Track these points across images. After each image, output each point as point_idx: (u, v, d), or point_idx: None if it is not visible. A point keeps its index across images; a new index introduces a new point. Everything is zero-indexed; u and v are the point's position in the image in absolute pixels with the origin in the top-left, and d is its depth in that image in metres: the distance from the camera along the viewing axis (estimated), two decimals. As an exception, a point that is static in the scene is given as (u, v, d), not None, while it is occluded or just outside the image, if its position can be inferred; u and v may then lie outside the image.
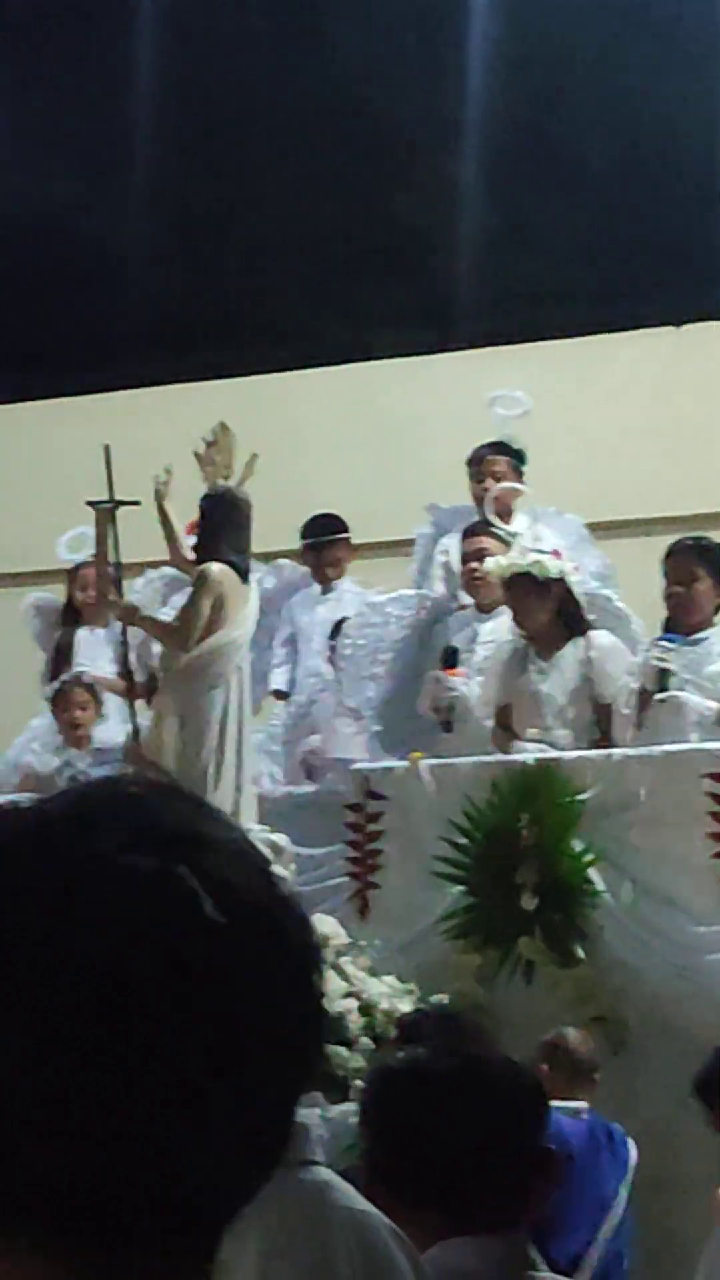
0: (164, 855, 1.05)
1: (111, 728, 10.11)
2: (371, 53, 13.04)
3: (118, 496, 9.83)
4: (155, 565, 10.41)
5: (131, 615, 9.64)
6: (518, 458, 10.24)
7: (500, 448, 10.24)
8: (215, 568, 9.01)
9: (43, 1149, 1.01)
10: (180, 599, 9.51)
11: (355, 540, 10.79)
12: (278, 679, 10.60)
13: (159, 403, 11.86)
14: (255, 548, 10.16)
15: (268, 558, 10.80)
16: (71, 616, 10.67)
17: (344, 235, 13.03)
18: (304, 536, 10.72)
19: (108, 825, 1.07)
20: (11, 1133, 1.01)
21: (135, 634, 9.90)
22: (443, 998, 8.10)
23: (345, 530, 10.72)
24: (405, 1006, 7.90)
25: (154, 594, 10.44)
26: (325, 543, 10.63)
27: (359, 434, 12.23)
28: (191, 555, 9.42)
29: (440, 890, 8.76)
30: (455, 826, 8.73)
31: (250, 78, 13.24)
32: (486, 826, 8.71)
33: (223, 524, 9.17)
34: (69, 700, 10.11)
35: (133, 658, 9.97)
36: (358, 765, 9.37)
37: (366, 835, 9.01)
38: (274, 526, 10.91)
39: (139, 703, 9.60)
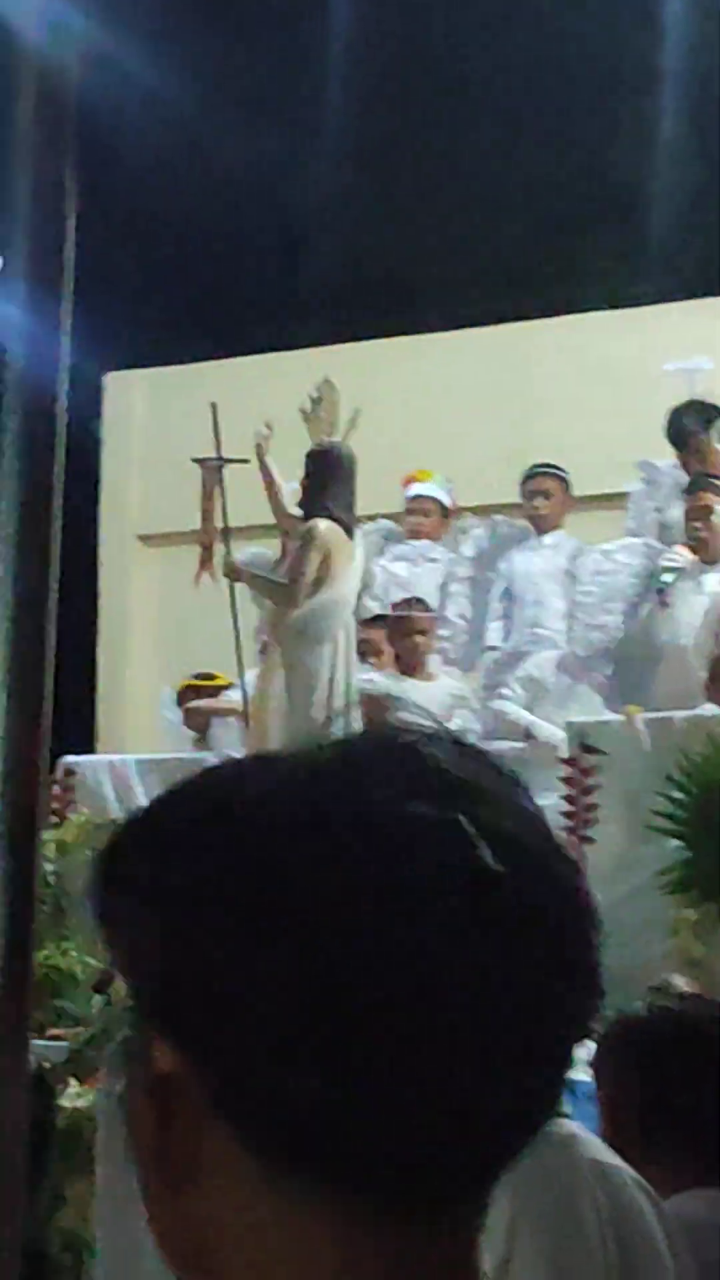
0: (442, 804, 1.05)
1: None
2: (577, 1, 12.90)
3: (232, 455, 9.96)
4: (371, 519, 10.46)
5: (237, 572, 9.71)
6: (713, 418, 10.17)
7: (697, 416, 10.13)
8: (322, 524, 9.04)
9: (329, 1097, 1.02)
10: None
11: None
12: (494, 634, 10.58)
13: (372, 356, 11.87)
14: (471, 501, 10.16)
15: (484, 512, 10.79)
16: (285, 570, 10.73)
17: (556, 187, 12.93)
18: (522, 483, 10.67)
19: (385, 774, 1.07)
20: (300, 1081, 1.02)
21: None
22: None
23: (561, 471, 10.62)
24: None
25: (371, 546, 10.48)
26: (538, 474, 10.54)
27: (574, 387, 12.15)
28: (295, 511, 9.47)
29: (657, 844, 8.71)
30: (671, 780, 8.68)
31: (454, 29, 13.17)
32: (703, 780, 8.64)
33: (328, 481, 9.19)
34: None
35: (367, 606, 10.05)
36: (573, 719, 9.36)
37: (582, 789, 8.99)
38: (490, 481, 10.90)
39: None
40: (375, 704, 9.11)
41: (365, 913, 1.02)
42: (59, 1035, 7.92)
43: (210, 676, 10.74)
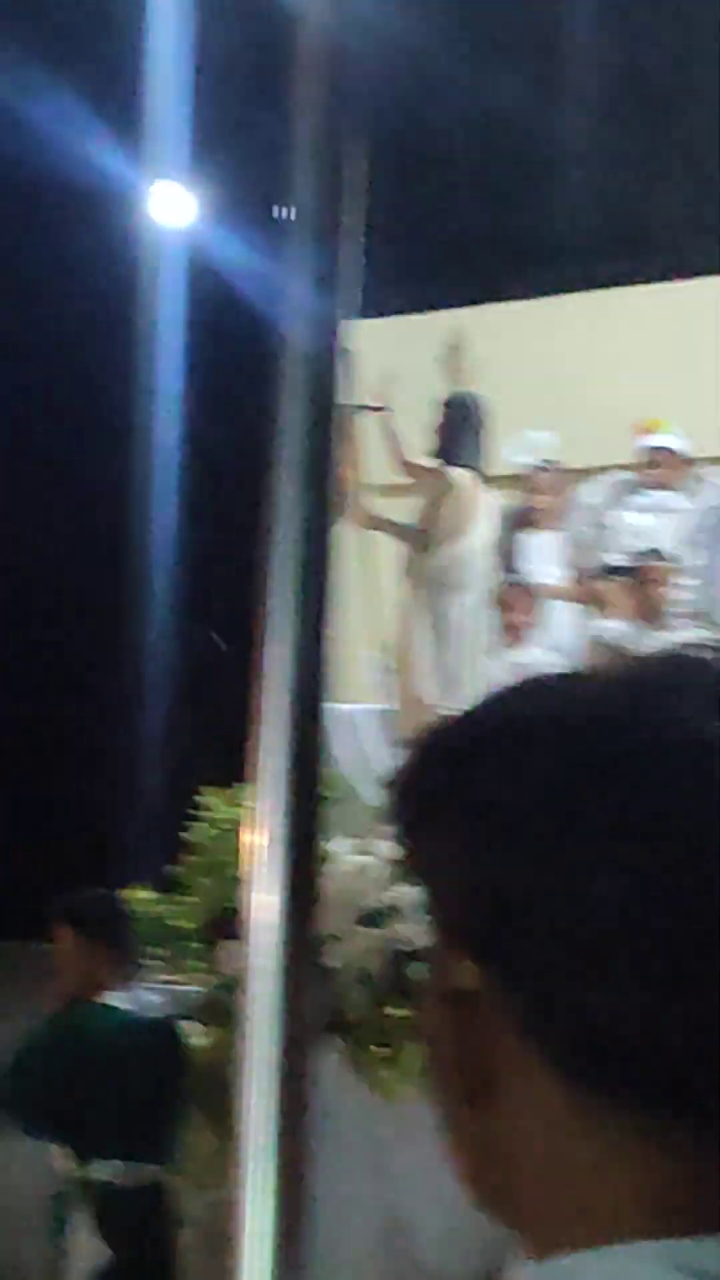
0: None
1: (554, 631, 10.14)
2: None
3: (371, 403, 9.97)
4: (605, 469, 10.40)
5: (372, 521, 9.73)
6: None
7: None
8: (457, 473, 9.00)
9: (639, 1017, 1.01)
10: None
11: None
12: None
13: (610, 306, 11.77)
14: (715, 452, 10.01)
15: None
16: (521, 520, 10.71)
17: None
18: None
19: (689, 693, 1.06)
20: (609, 1000, 1.01)
21: (583, 538, 9.91)
22: None
23: None
24: None
25: (607, 496, 10.42)
26: None
27: None
28: (414, 460, 9.44)
29: None
30: None
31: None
32: None
33: (463, 429, 9.15)
34: (505, 603, 10.18)
35: (583, 559, 10.00)
36: None
37: None
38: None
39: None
40: (612, 651, 9.10)
41: (676, 828, 1.02)
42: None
43: None
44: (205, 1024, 7.34)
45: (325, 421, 1.86)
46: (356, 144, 2.07)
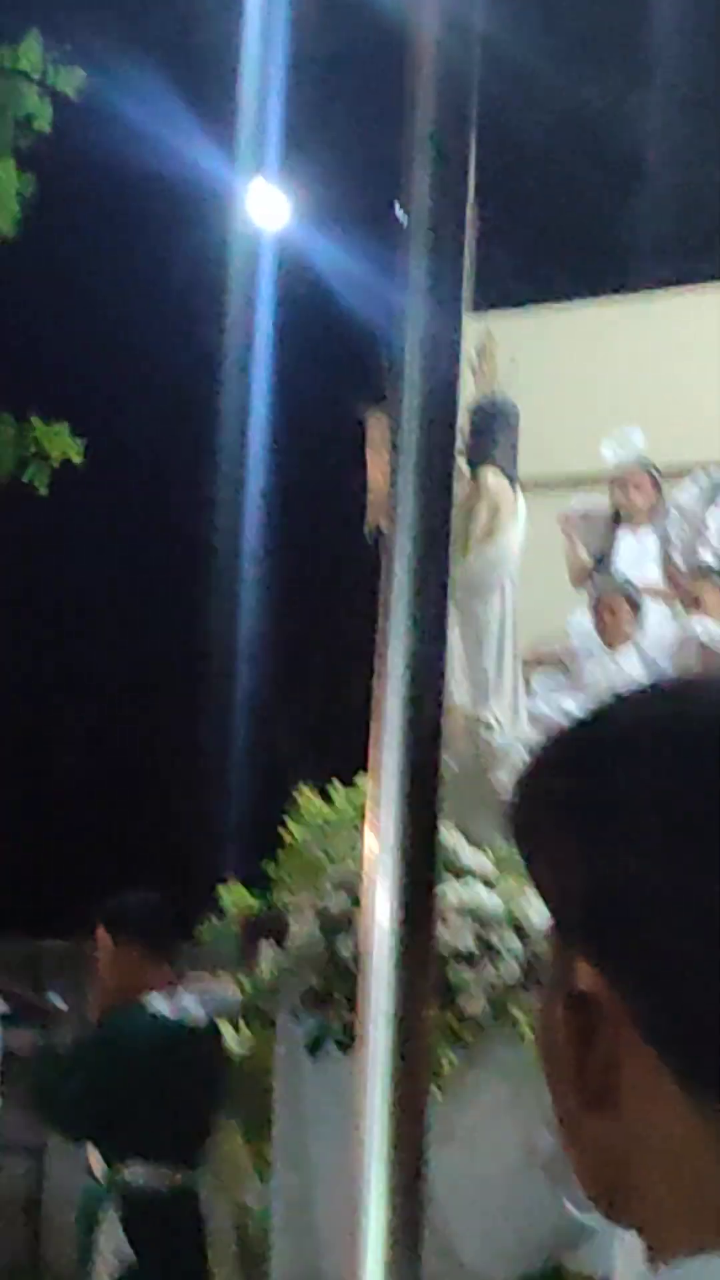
0: None
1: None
2: None
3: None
4: (695, 468, 10.37)
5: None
6: None
7: None
8: (491, 477, 9.00)
9: None
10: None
11: None
12: None
13: (676, 307, 11.72)
14: None
15: None
16: (615, 519, 10.68)
17: None
18: None
19: None
20: None
21: (677, 538, 9.88)
22: None
23: None
24: None
25: (701, 494, 10.37)
26: None
27: None
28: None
29: None
30: None
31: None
32: None
33: (493, 433, 9.13)
34: (604, 604, 10.16)
35: (678, 558, 9.97)
36: None
37: None
38: None
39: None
40: (707, 651, 9.07)
41: None
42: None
43: None
44: (243, 1028, 7.34)
45: (447, 426, 1.86)
46: (469, 144, 2.06)
